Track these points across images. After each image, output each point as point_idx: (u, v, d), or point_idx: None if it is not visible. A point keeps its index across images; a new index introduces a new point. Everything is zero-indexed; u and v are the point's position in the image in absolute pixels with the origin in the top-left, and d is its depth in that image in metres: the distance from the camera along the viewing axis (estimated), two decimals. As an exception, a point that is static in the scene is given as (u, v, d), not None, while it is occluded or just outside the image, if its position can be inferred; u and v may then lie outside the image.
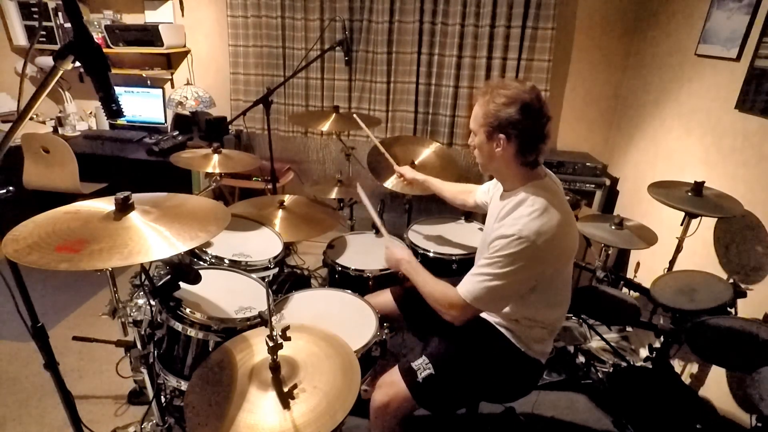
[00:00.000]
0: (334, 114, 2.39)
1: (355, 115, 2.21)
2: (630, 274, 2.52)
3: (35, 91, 0.93)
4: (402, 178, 1.96)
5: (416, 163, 2.25)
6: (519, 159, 1.23)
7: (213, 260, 1.70)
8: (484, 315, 1.43)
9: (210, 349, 1.35)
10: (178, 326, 1.36)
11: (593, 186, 2.76)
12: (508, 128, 1.19)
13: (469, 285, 1.26)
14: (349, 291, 1.66)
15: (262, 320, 1.34)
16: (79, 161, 2.76)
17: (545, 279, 1.26)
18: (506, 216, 1.26)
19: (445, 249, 1.99)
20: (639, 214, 2.38)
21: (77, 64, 0.93)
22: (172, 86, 3.47)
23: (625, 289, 2.12)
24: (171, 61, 3.39)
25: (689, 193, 1.73)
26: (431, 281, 1.37)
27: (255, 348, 1.19)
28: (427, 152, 2.34)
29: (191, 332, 1.36)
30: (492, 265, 1.21)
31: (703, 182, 1.74)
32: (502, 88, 1.19)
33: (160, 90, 3.33)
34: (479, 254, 1.49)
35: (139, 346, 1.32)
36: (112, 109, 0.98)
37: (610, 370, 2.08)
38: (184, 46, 3.34)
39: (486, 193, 1.65)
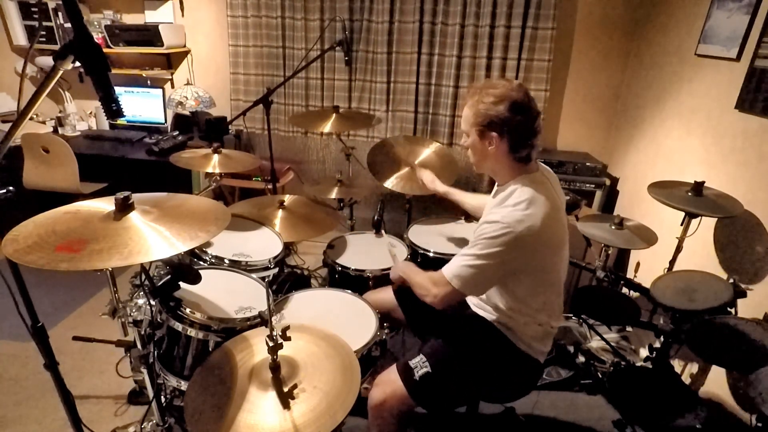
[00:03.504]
0: (334, 114, 2.39)
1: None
2: (630, 274, 2.51)
3: (35, 91, 0.93)
4: (421, 182, 1.97)
5: (416, 163, 2.25)
6: (512, 155, 1.26)
7: (213, 260, 1.70)
8: (482, 313, 1.43)
9: (210, 349, 1.35)
10: (178, 326, 1.36)
11: (593, 186, 2.76)
12: (499, 126, 1.22)
13: (453, 266, 1.29)
14: (349, 291, 1.67)
15: (262, 320, 1.34)
16: (79, 161, 2.76)
17: (531, 268, 1.27)
18: (494, 206, 1.30)
19: (445, 249, 1.99)
20: (639, 214, 2.38)
21: (77, 64, 0.94)
22: (172, 86, 3.47)
23: (625, 289, 2.12)
24: (171, 61, 3.39)
25: (689, 193, 1.73)
26: (421, 271, 1.44)
27: (255, 348, 1.20)
28: (427, 152, 2.34)
29: (191, 332, 1.36)
30: (474, 247, 1.25)
31: (703, 182, 1.74)
32: (491, 88, 1.23)
33: (160, 90, 3.33)
34: None
35: (139, 346, 1.32)
36: (112, 109, 0.98)
37: (610, 370, 2.08)
38: (184, 46, 3.34)
39: None
